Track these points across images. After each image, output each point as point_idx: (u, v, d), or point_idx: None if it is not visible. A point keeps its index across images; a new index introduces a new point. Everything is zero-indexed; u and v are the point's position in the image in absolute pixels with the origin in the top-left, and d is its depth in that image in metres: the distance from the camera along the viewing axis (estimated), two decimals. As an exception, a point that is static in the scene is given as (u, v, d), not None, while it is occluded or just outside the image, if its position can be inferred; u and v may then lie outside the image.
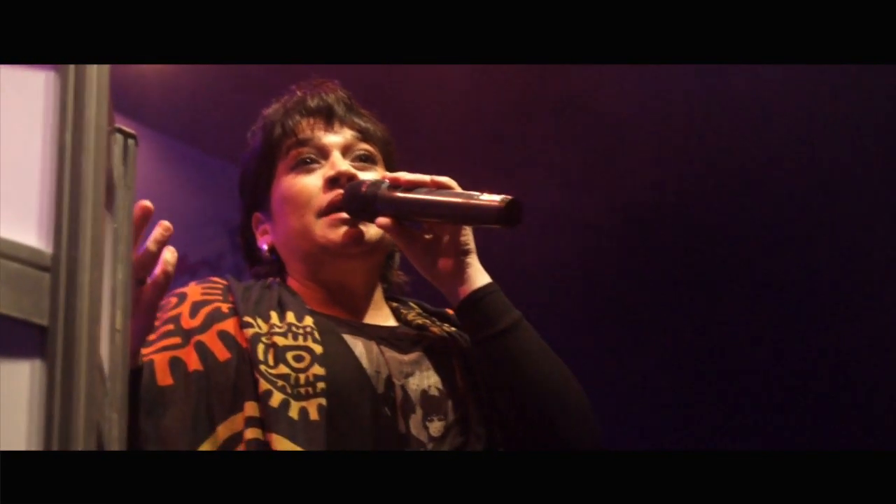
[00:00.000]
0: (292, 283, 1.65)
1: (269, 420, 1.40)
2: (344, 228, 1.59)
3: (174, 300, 1.54)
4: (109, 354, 0.96)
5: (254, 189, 1.68)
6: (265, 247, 1.67)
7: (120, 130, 1.01)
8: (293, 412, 1.41)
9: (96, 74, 0.81)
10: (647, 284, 3.90)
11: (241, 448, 1.40)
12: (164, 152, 4.05)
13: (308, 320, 1.52)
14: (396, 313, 1.70)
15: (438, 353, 1.59)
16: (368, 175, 1.62)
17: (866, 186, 3.59)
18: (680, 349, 3.93)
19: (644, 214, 3.82)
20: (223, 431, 1.41)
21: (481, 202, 1.48)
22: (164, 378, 1.43)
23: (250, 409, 1.42)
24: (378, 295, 1.68)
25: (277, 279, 1.64)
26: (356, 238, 1.59)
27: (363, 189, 1.57)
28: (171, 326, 1.48)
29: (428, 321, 1.67)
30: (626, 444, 3.78)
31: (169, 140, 4.04)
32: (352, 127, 1.67)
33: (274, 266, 1.68)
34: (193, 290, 1.56)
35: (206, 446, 1.40)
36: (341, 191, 1.60)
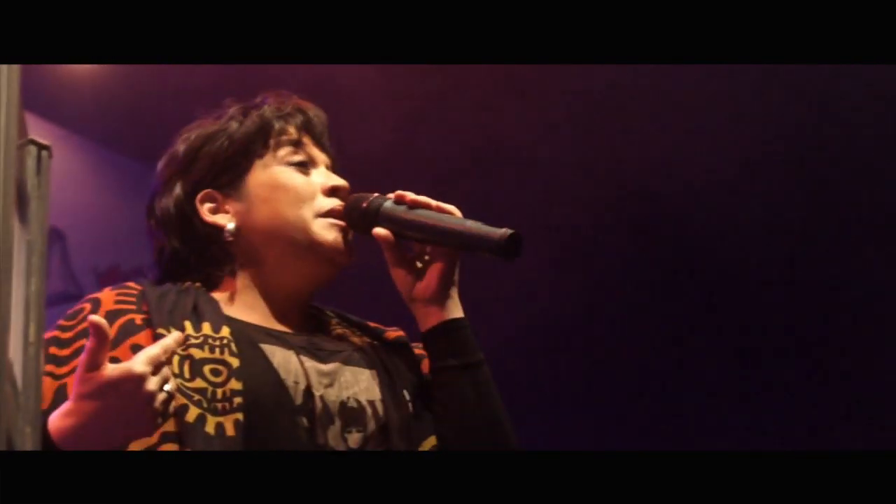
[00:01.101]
0: (227, 282, 1.63)
1: (185, 435, 1.41)
2: (340, 235, 1.62)
3: (87, 307, 1.53)
4: (22, 367, 0.95)
5: (224, 166, 1.65)
6: (231, 226, 1.62)
7: (33, 142, 1.00)
8: (210, 427, 1.42)
9: (5, 85, 0.81)
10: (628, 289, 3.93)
11: None
12: (95, 160, 4.01)
13: (225, 331, 1.51)
14: (316, 321, 1.70)
15: (358, 364, 1.60)
16: None
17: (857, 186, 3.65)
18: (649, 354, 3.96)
19: (619, 214, 3.84)
20: (137, 446, 1.41)
21: (485, 231, 1.54)
22: None
23: (166, 423, 1.41)
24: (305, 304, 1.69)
25: (197, 284, 1.61)
26: (348, 248, 1.62)
27: (364, 204, 1.62)
28: (83, 342, 1.44)
29: (348, 331, 1.68)
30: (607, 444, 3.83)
31: (100, 148, 4.01)
32: (328, 154, 1.71)
33: (221, 249, 1.63)
34: (107, 298, 1.54)
35: None
36: (341, 202, 1.63)
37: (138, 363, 1.34)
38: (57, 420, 1.34)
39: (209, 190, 1.65)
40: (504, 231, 1.52)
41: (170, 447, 1.41)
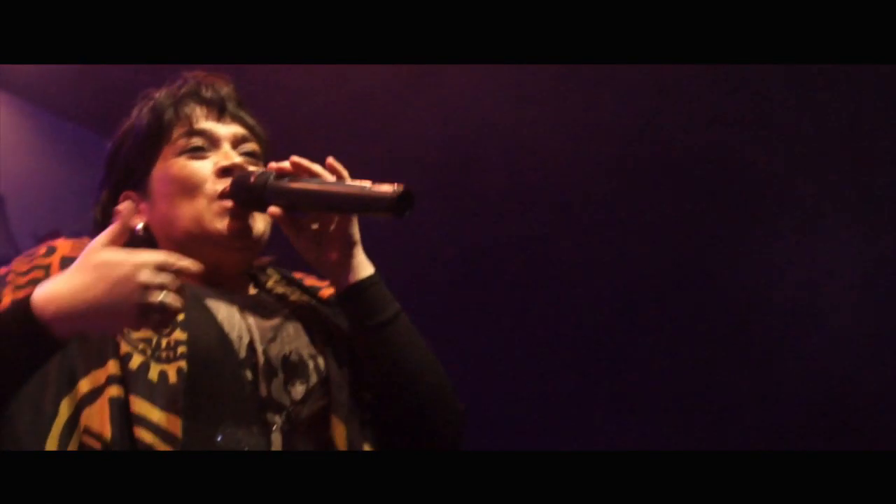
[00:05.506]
0: None
1: (128, 381, 1.43)
2: (229, 220, 1.60)
3: (43, 249, 1.56)
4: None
5: (131, 167, 1.67)
6: (140, 225, 1.65)
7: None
8: (153, 374, 1.44)
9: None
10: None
11: (101, 401, 1.42)
12: (36, 124, 3.97)
13: None
14: (255, 280, 1.72)
15: (300, 320, 1.63)
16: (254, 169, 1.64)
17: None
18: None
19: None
20: (85, 385, 1.43)
21: (374, 192, 1.50)
22: None
23: (112, 366, 1.44)
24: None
25: None
26: (242, 233, 1.61)
27: (252, 180, 1.59)
28: (40, 273, 1.49)
29: (288, 290, 1.71)
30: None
31: (41, 111, 3.97)
32: (241, 123, 1.69)
33: (144, 246, 1.66)
34: (63, 245, 1.57)
35: (66, 400, 1.41)
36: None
37: (144, 254, 1.35)
38: (43, 287, 1.35)
39: (127, 191, 1.68)
40: (394, 189, 1.48)
41: (115, 390, 1.42)
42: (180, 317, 1.49)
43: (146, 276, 1.33)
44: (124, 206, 1.38)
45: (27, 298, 1.35)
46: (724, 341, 3.79)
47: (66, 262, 1.51)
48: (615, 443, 3.79)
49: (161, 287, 1.34)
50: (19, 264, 1.55)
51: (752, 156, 3.56)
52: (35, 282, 1.47)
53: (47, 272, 1.51)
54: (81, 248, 1.53)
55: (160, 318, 1.34)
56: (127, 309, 1.33)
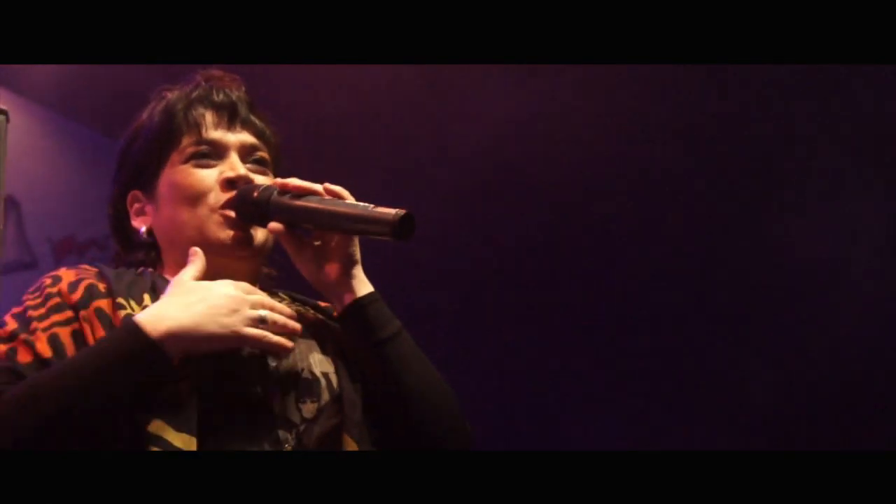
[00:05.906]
0: (166, 272, 1.65)
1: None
2: (232, 231, 1.60)
3: (49, 280, 1.56)
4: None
5: (140, 168, 1.67)
6: (143, 229, 1.66)
7: (-8, 107, 1.02)
8: (165, 392, 1.43)
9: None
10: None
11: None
12: (54, 129, 3.99)
13: None
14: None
15: (312, 338, 1.62)
16: (261, 179, 1.64)
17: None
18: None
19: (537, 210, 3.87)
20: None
21: (375, 214, 1.50)
22: (72, 353, 1.46)
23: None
24: None
25: (150, 269, 1.64)
26: (244, 241, 1.61)
27: (255, 194, 1.59)
28: (57, 300, 1.50)
29: (302, 308, 1.70)
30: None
31: (58, 117, 3.99)
32: (251, 129, 1.68)
33: (150, 250, 1.67)
34: (66, 273, 1.57)
35: None
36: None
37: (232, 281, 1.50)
38: (145, 312, 1.45)
39: (136, 191, 1.68)
40: (396, 212, 1.48)
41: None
42: None
43: (241, 293, 1.47)
44: (196, 250, 1.53)
45: (131, 321, 1.41)
46: (746, 319, 3.80)
47: (74, 286, 1.53)
48: (615, 443, 3.80)
49: (257, 304, 1.48)
50: (31, 301, 1.54)
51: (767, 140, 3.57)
52: (55, 308, 1.50)
53: (61, 296, 1.51)
54: (83, 273, 1.56)
55: (269, 339, 1.47)
56: (233, 321, 1.45)
